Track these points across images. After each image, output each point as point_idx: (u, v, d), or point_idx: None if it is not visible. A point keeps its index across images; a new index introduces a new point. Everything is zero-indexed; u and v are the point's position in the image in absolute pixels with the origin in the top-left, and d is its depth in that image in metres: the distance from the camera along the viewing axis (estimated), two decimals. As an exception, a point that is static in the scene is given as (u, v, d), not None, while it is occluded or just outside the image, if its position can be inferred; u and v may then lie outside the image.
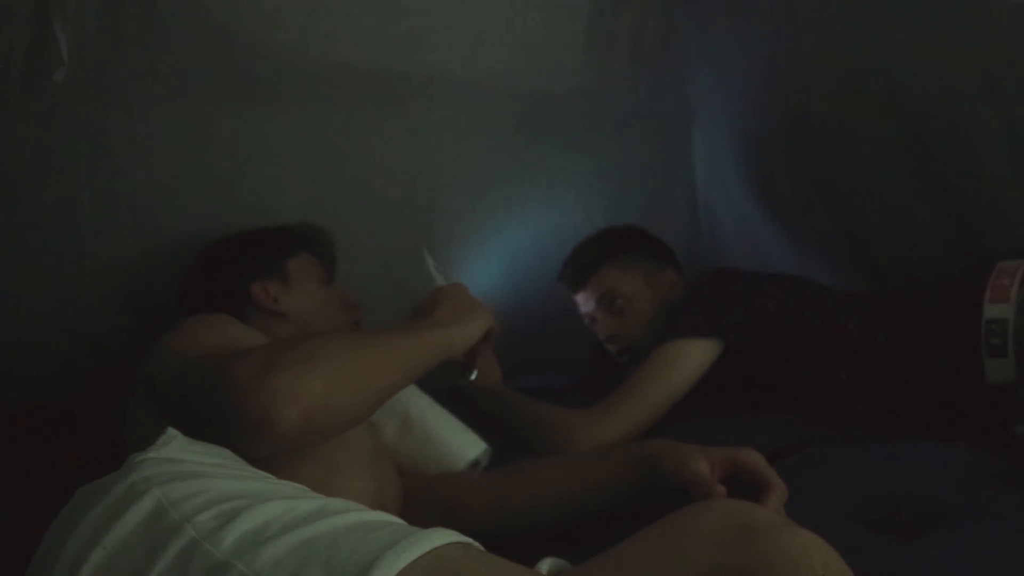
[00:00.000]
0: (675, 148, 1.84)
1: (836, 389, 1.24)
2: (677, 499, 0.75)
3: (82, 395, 1.20)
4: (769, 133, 1.63)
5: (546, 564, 0.64)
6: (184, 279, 1.17)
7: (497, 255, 1.65)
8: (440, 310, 1.00)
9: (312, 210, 1.36)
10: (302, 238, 1.20)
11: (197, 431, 0.74)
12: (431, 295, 1.05)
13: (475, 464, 1.12)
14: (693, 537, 0.57)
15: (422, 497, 1.00)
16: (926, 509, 0.88)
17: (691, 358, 1.27)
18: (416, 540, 0.56)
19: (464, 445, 1.12)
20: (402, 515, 0.69)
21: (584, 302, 1.50)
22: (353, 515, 0.62)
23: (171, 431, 0.71)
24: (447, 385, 1.22)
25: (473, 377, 1.18)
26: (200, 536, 0.57)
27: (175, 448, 0.69)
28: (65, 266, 1.20)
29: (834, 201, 1.56)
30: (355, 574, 0.53)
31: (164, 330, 0.92)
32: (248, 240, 1.18)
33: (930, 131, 1.33)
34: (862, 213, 1.51)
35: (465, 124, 1.53)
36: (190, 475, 0.64)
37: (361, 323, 1.19)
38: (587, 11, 1.56)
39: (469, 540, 0.61)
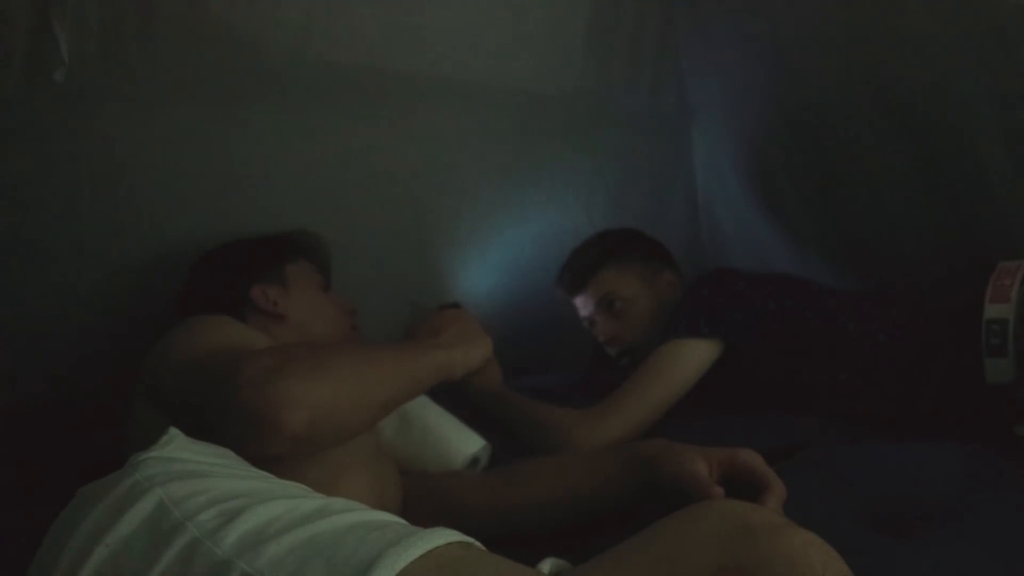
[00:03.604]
0: (675, 148, 1.84)
1: (836, 389, 1.24)
2: (676, 499, 0.76)
3: (82, 395, 1.20)
4: (769, 133, 1.63)
5: (547, 564, 0.64)
6: (184, 282, 1.17)
7: (497, 255, 1.65)
8: (446, 332, 1.03)
9: (311, 209, 1.36)
10: (300, 245, 1.22)
11: (199, 431, 0.74)
12: (436, 316, 1.08)
13: (475, 461, 1.13)
14: (692, 538, 0.57)
15: (423, 496, 1.00)
16: (926, 509, 0.88)
17: (691, 358, 1.27)
18: (417, 539, 0.56)
19: (463, 442, 1.12)
20: (402, 514, 0.69)
21: (583, 305, 1.50)
22: (354, 514, 0.62)
23: (173, 430, 0.71)
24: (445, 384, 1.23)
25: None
26: (202, 535, 0.57)
27: (177, 447, 0.69)
28: (65, 266, 1.20)
29: (834, 201, 1.56)
30: (356, 573, 0.53)
31: (165, 330, 0.93)
32: (248, 246, 1.19)
33: (930, 131, 1.33)
34: (862, 213, 1.51)
35: (465, 124, 1.53)
36: (192, 474, 0.64)
37: (358, 328, 1.19)
38: (587, 11, 1.56)
39: (470, 540, 0.61)
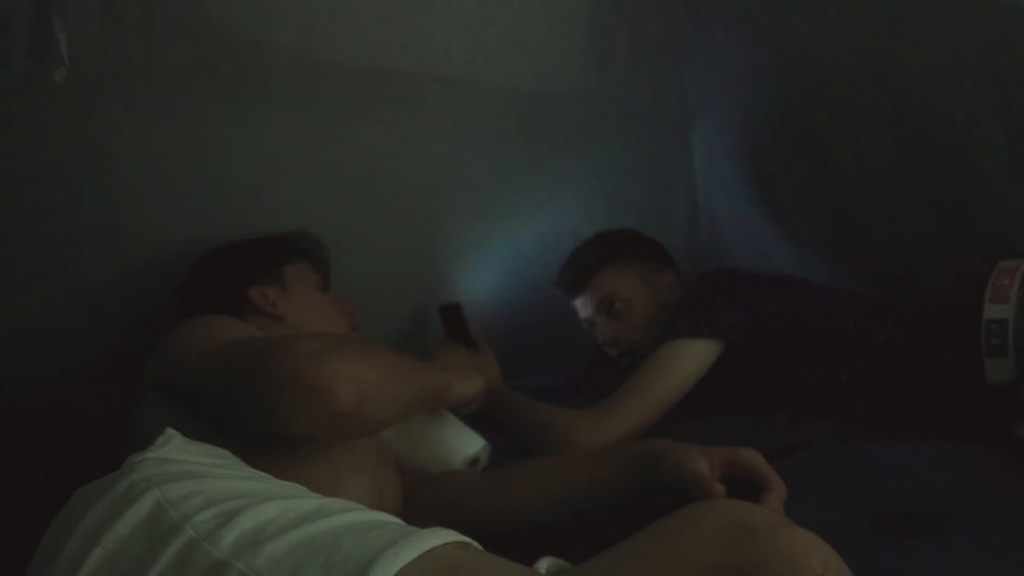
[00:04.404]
0: (675, 148, 1.84)
1: (836, 389, 1.24)
2: (677, 499, 0.75)
3: (82, 395, 1.20)
4: (769, 133, 1.63)
5: (544, 563, 0.64)
6: (182, 284, 1.17)
7: (497, 255, 1.65)
8: (447, 359, 1.09)
9: (311, 210, 1.36)
10: (299, 246, 1.23)
11: (213, 423, 0.77)
12: (437, 351, 1.15)
13: (475, 461, 1.13)
14: (692, 537, 0.57)
15: (422, 497, 1.00)
16: (925, 509, 0.88)
17: (691, 358, 1.27)
18: (415, 539, 0.56)
19: (463, 441, 1.12)
20: (402, 515, 0.69)
21: (582, 307, 1.50)
22: (352, 515, 0.62)
23: (169, 431, 0.71)
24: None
25: None
26: (199, 535, 0.57)
27: (174, 448, 0.69)
28: (65, 266, 1.20)
29: (834, 201, 1.56)
30: (354, 573, 0.53)
31: (169, 330, 0.93)
32: (246, 247, 1.20)
33: (931, 131, 1.33)
34: (862, 213, 1.51)
35: (465, 125, 1.53)
36: (189, 475, 0.64)
37: (358, 329, 1.19)
38: (587, 11, 1.56)
39: (468, 539, 0.61)
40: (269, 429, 0.77)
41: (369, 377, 0.78)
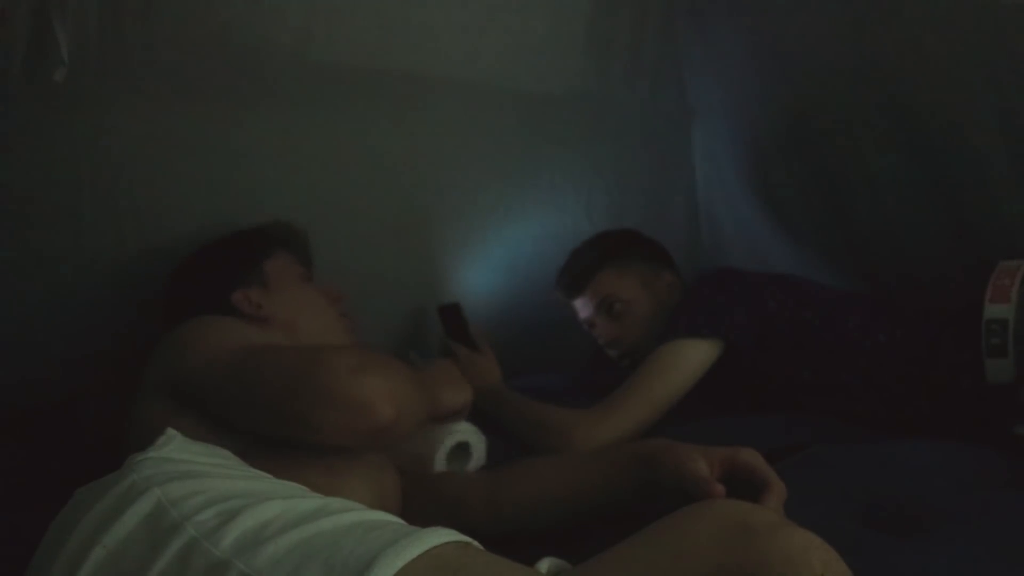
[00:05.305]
0: (675, 148, 1.84)
1: (836, 389, 1.24)
2: (677, 499, 0.76)
3: (82, 395, 1.20)
4: (769, 133, 1.63)
5: (544, 563, 0.64)
6: (165, 294, 1.15)
7: (497, 255, 1.65)
8: (436, 373, 1.10)
9: (311, 210, 1.36)
10: (275, 237, 1.18)
11: (233, 422, 0.79)
12: (429, 366, 1.16)
13: (464, 446, 1.12)
14: (692, 537, 0.57)
15: (422, 496, 1.00)
16: (926, 509, 0.88)
17: (691, 358, 1.27)
18: (415, 539, 0.56)
19: (451, 424, 1.11)
20: (402, 515, 0.69)
21: (582, 308, 1.50)
22: (353, 514, 0.62)
23: (170, 431, 0.71)
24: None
25: None
26: (200, 535, 0.57)
27: (174, 448, 0.69)
28: (65, 266, 1.20)
29: (834, 201, 1.56)
30: (354, 573, 0.53)
31: (170, 330, 0.93)
32: (221, 248, 1.16)
33: (930, 131, 1.33)
34: (862, 213, 1.51)
35: (465, 124, 1.53)
36: (190, 475, 0.64)
37: (347, 315, 1.18)
38: (587, 11, 1.56)
39: (468, 539, 0.61)
40: (301, 437, 0.79)
41: (404, 393, 0.82)
